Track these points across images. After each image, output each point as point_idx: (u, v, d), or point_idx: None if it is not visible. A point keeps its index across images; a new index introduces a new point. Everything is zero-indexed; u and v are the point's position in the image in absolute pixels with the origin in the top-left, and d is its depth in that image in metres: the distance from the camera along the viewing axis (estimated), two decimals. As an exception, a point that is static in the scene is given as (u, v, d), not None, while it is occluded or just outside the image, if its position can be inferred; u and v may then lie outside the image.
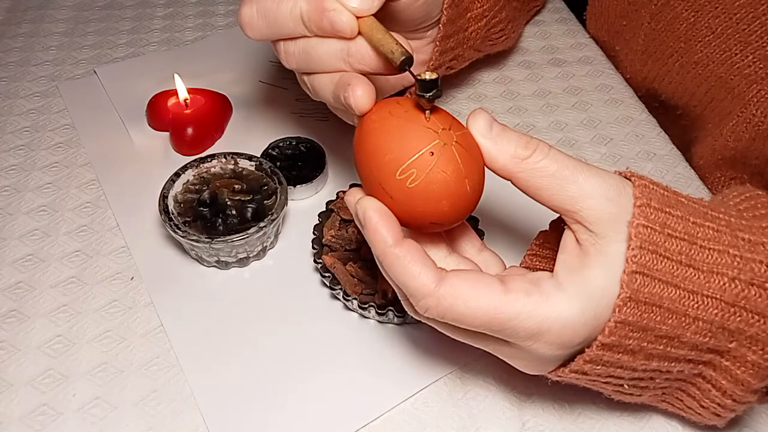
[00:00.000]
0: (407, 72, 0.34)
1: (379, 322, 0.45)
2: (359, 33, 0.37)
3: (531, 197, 0.34)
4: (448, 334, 0.35)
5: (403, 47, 0.34)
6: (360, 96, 0.34)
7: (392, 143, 0.32)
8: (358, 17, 0.36)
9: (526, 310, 0.31)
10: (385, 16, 0.41)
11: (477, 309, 0.31)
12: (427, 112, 0.33)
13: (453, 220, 0.33)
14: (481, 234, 0.47)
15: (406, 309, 0.35)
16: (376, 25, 0.36)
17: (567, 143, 0.59)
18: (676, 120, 0.61)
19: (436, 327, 0.35)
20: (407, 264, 0.31)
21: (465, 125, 0.34)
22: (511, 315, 0.31)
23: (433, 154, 0.31)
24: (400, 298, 0.35)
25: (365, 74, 0.37)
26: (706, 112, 0.57)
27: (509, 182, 0.34)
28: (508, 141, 0.33)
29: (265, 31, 0.39)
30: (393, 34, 0.35)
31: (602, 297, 0.31)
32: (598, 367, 0.33)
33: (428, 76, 0.32)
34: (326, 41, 0.38)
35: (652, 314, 0.31)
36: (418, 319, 0.34)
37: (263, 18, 0.39)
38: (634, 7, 0.60)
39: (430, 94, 0.32)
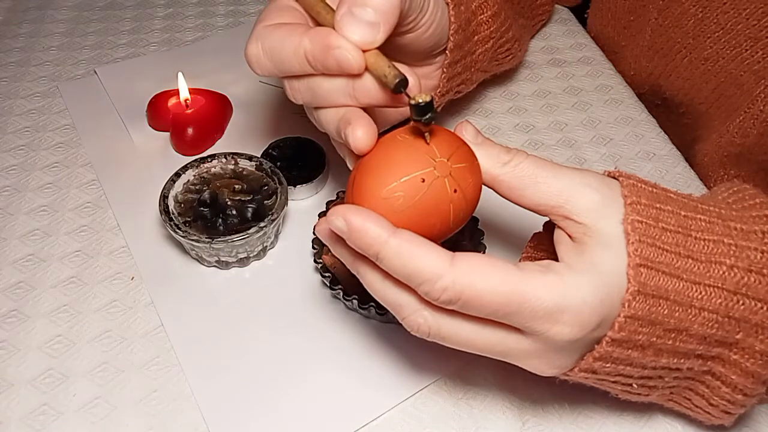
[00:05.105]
0: (404, 97, 0.33)
1: (380, 321, 0.45)
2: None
3: (516, 203, 0.34)
4: (455, 345, 0.33)
5: (397, 69, 0.33)
6: (360, 137, 0.34)
7: (387, 164, 0.32)
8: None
9: (545, 288, 0.30)
10: (392, 49, 0.39)
11: (496, 286, 0.30)
12: (427, 134, 0.32)
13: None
14: (481, 234, 0.47)
15: (408, 326, 0.33)
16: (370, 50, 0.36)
17: (567, 143, 0.59)
18: (677, 119, 0.61)
19: (443, 341, 0.33)
20: (413, 248, 0.29)
21: (472, 157, 0.33)
22: (529, 290, 0.30)
23: (424, 181, 0.31)
24: (397, 314, 0.33)
25: (371, 107, 0.37)
26: (711, 109, 0.57)
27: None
28: (491, 146, 0.35)
29: (271, 69, 0.38)
30: (384, 57, 0.35)
31: (611, 275, 0.31)
32: (608, 365, 0.33)
33: (421, 99, 0.31)
34: (332, 78, 0.37)
35: (659, 307, 0.31)
36: (420, 336, 0.33)
37: (269, 57, 0.38)
38: (642, 3, 0.60)
39: (426, 117, 0.31)
